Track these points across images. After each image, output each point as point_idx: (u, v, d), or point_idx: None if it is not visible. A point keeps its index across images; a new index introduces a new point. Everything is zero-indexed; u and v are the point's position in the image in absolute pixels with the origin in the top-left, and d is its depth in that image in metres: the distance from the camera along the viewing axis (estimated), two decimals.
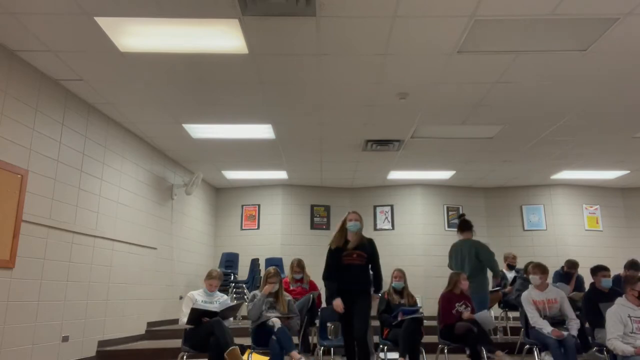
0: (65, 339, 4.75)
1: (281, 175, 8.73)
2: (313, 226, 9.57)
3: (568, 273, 6.51)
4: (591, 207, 9.43)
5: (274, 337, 4.17)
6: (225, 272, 8.12)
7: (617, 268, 5.81)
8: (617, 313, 3.77)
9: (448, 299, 4.80)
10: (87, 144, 5.21)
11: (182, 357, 4.11)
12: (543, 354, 4.54)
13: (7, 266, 3.97)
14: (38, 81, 4.39)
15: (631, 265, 5.61)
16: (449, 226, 9.35)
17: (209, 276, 4.57)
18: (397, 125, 5.92)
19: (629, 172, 8.27)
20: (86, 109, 5.19)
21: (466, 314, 4.66)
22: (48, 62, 4.23)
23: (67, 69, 4.37)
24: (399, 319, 4.67)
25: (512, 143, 6.65)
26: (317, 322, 5.07)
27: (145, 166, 6.61)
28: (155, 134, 6.35)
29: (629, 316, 3.74)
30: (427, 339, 4.83)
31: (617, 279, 5.40)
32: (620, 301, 3.87)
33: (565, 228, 9.24)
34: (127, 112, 5.49)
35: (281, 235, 9.35)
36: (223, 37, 3.77)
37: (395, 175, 8.66)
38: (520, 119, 5.68)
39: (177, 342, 5.23)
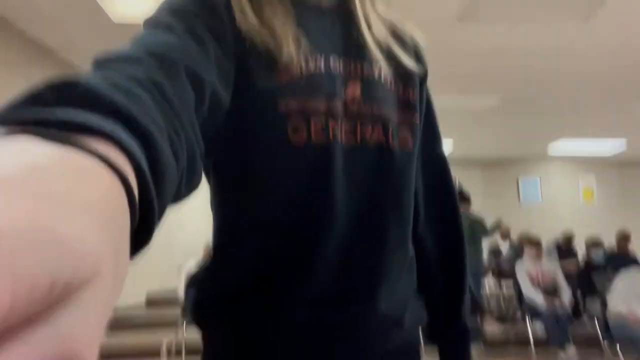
0: None
1: None
2: None
3: (567, 245, 6.60)
4: (587, 180, 9.47)
5: None
6: None
7: (611, 240, 5.87)
8: (631, 278, 3.89)
9: None
10: None
11: (183, 323, 4.19)
12: (535, 322, 4.65)
13: None
14: (28, 49, 4.33)
15: (621, 237, 5.70)
16: None
17: (208, 247, 4.61)
18: None
19: (626, 144, 8.28)
20: None
21: None
22: (40, 30, 4.15)
23: (59, 38, 4.30)
24: None
25: (511, 113, 6.62)
26: None
27: None
28: None
29: None
30: None
31: (610, 251, 5.48)
32: (637, 271, 3.99)
33: (560, 201, 9.31)
34: None
35: None
36: None
37: None
38: (520, 89, 5.64)
39: (176, 312, 5.32)
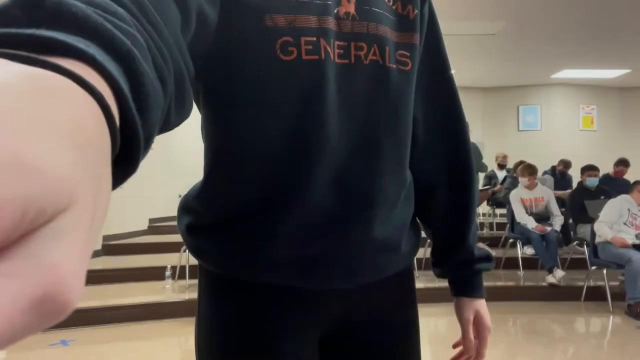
0: None
1: None
2: None
3: (563, 172, 6.67)
4: (588, 107, 9.37)
5: None
6: None
7: (607, 167, 5.92)
8: (619, 203, 4.04)
9: None
10: None
11: (185, 250, 4.32)
12: (525, 247, 4.80)
13: None
14: None
15: (620, 162, 5.76)
16: None
17: None
18: None
19: (630, 70, 8.10)
20: None
21: None
22: None
23: None
24: None
25: (515, 40, 6.42)
26: None
27: None
28: None
29: (628, 209, 4.01)
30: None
31: (605, 178, 5.55)
32: (625, 197, 4.10)
33: (559, 128, 9.26)
34: None
35: None
36: None
37: None
38: (525, 14, 5.42)
39: (179, 237, 5.48)
